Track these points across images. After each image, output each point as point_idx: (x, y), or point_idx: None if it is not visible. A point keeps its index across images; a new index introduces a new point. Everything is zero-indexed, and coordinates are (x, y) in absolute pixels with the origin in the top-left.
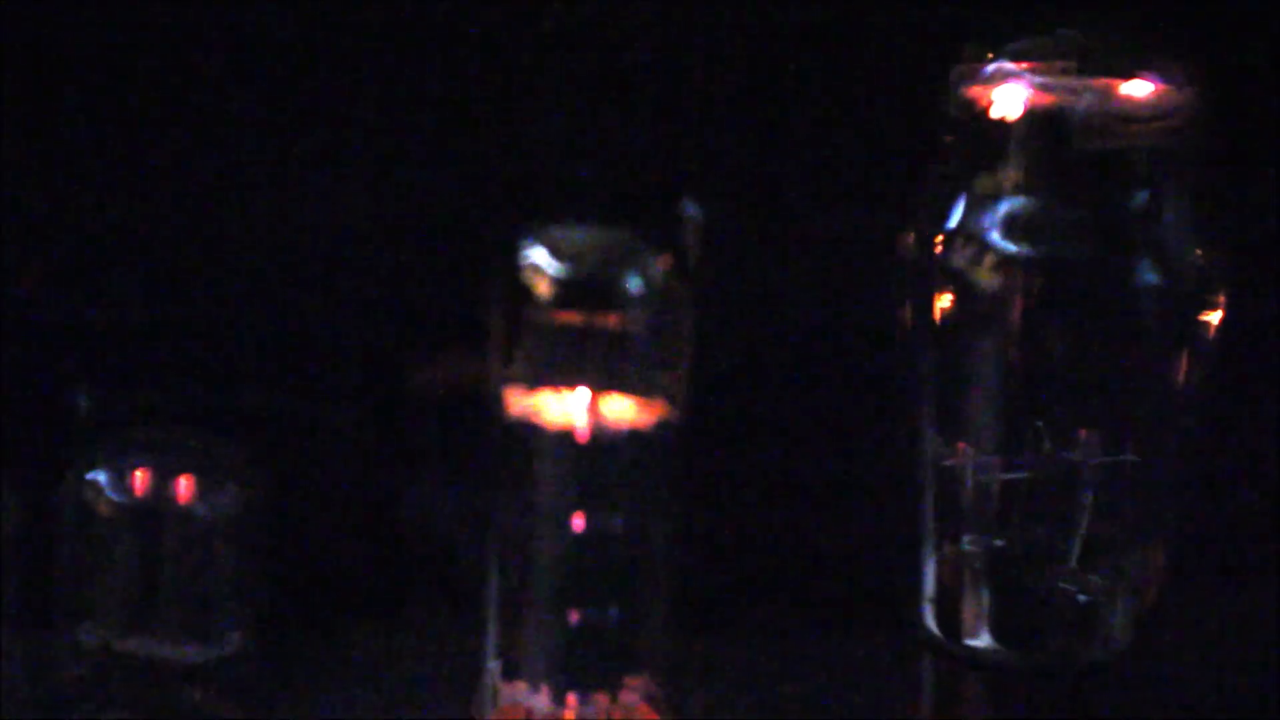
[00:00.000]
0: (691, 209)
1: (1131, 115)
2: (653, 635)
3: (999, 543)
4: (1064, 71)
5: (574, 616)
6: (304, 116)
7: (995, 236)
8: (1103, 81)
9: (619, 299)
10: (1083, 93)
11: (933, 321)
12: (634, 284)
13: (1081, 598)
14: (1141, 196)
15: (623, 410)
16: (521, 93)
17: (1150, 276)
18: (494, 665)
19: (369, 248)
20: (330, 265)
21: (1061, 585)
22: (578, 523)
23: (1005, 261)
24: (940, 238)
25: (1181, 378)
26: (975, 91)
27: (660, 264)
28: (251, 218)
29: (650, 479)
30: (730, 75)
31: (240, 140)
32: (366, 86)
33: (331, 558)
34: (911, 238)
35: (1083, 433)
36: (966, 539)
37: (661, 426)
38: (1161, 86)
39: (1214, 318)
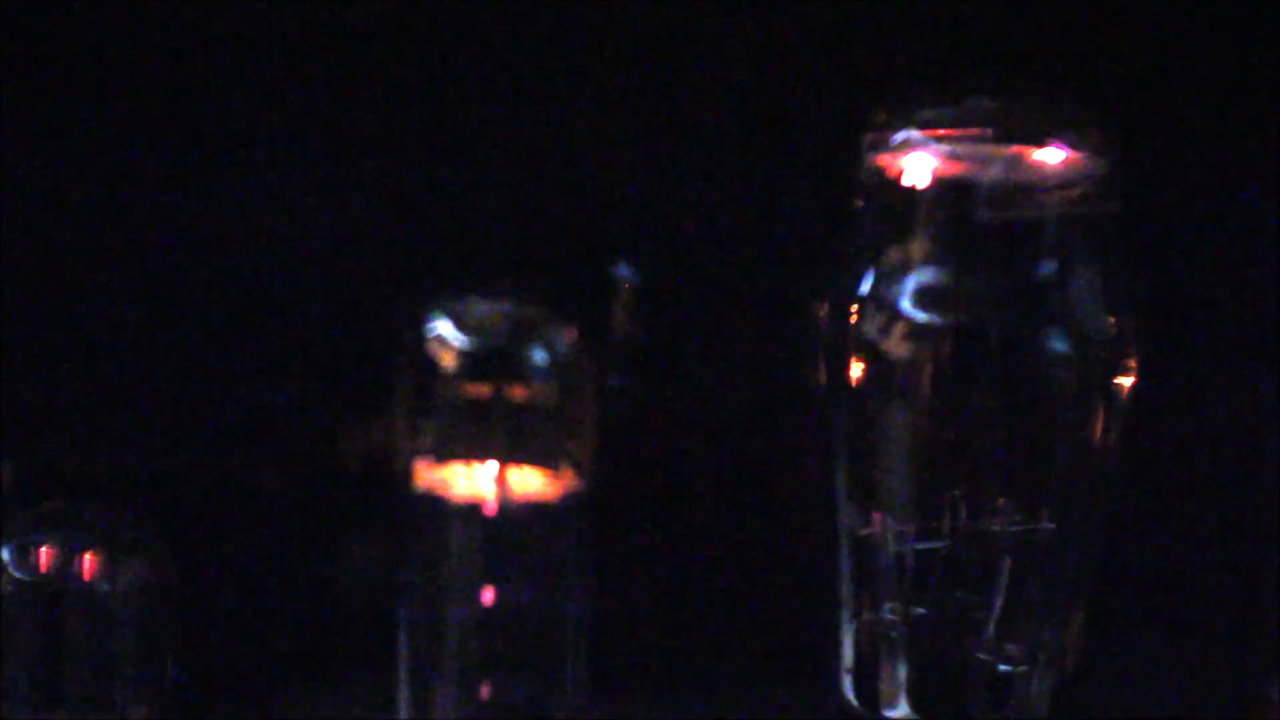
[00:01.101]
0: (624, 272)
1: (1042, 183)
2: (566, 705)
3: (919, 611)
4: (974, 139)
5: (484, 690)
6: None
7: (906, 305)
8: (1014, 149)
9: (525, 371)
10: (993, 161)
11: (847, 390)
12: (540, 356)
13: (1001, 667)
14: (1053, 264)
15: (530, 482)
16: (432, 163)
17: (1062, 344)
18: None
19: (283, 317)
20: (244, 335)
21: (979, 655)
22: (486, 595)
23: (916, 330)
24: (853, 306)
25: (1097, 444)
26: (885, 159)
27: (566, 335)
28: (161, 285)
29: (559, 550)
30: (645, 141)
31: (145, 213)
32: (272, 160)
33: (257, 626)
34: (825, 306)
35: (1000, 501)
36: (886, 608)
37: (570, 497)
38: (1072, 154)
39: (1127, 382)
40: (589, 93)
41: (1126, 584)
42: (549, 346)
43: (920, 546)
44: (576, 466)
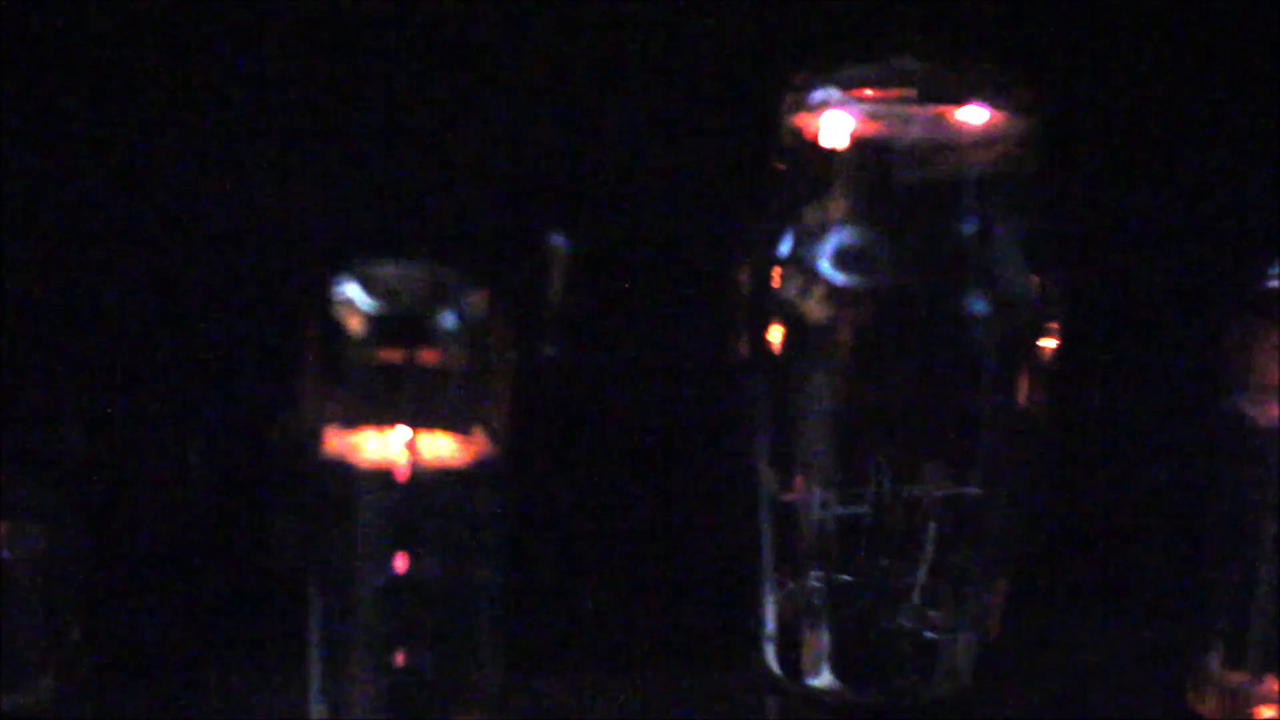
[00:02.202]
0: (557, 239)
1: (963, 143)
2: (481, 675)
3: (843, 579)
4: (894, 99)
5: (399, 658)
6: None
7: (826, 268)
8: (934, 109)
9: (435, 335)
10: (913, 121)
11: (768, 354)
12: (451, 319)
13: (927, 634)
14: (975, 225)
15: (443, 448)
16: (349, 127)
17: (984, 305)
18: (320, 709)
19: (190, 282)
20: (150, 300)
21: (904, 622)
22: (399, 563)
23: (836, 293)
24: (774, 269)
25: (1021, 406)
26: (804, 119)
27: (479, 299)
28: (64, 254)
29: (473, 517)
30: (563, 102)
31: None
32: (182, 129)
33: (171, 598)
34: (745, 269)
35: (924, 466)
36: (812, 575)
37: (484, 463)
38: (994, 114)
39: (1051, 344)
40: (505, 57)
41: (1067, 558)
42: (460, 310)
43: (843, 513)
44: (491, 432)
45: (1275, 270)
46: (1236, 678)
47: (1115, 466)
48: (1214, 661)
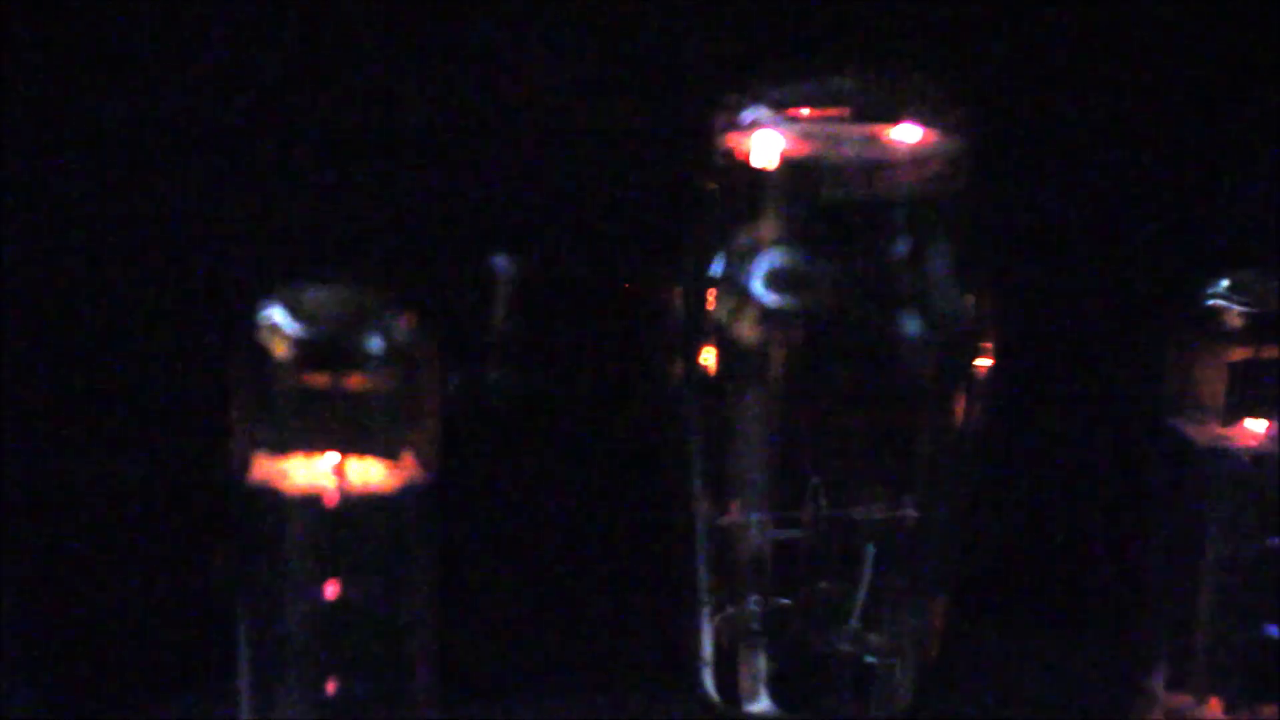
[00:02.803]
0: (501, 264)
1: (896, 163)
2: (414, 702)
3: (783, 602)
4: (827, 118)
5: (330, 686)
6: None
7: (758, 289)
8: (867, 127)
9: (361, 359)
10: (846, 139)
11: (702, 376)
12: (377, 344)
13: (866, 657)
14: (908, 245)
15: (371, 473)
16: (276, 150)
17: (918, 325)
18: None
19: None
20: (80, 325)
21: (842, 645)
22: (327, 590)
23: (770, 313)
24: (706, 291)
25: (956, 426)
26: (736, 139)
27: (405, 323)
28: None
29: (403, 542)
30: (498, 125)
31: None
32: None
33: (95, 625)
34: (679, 291)
35: (860, 488)
36: (749, 599)
37: (412, 488)
38: (927, 133)
39: (986, 363)
40: (436, 77)
41: (1010, 579)
42: (387, 334)
43: (779, 535)
44: (419, 457)
45: (1214, 289)
46: (1180, 699)
47: (1057, 487)
48: (1157, 683)
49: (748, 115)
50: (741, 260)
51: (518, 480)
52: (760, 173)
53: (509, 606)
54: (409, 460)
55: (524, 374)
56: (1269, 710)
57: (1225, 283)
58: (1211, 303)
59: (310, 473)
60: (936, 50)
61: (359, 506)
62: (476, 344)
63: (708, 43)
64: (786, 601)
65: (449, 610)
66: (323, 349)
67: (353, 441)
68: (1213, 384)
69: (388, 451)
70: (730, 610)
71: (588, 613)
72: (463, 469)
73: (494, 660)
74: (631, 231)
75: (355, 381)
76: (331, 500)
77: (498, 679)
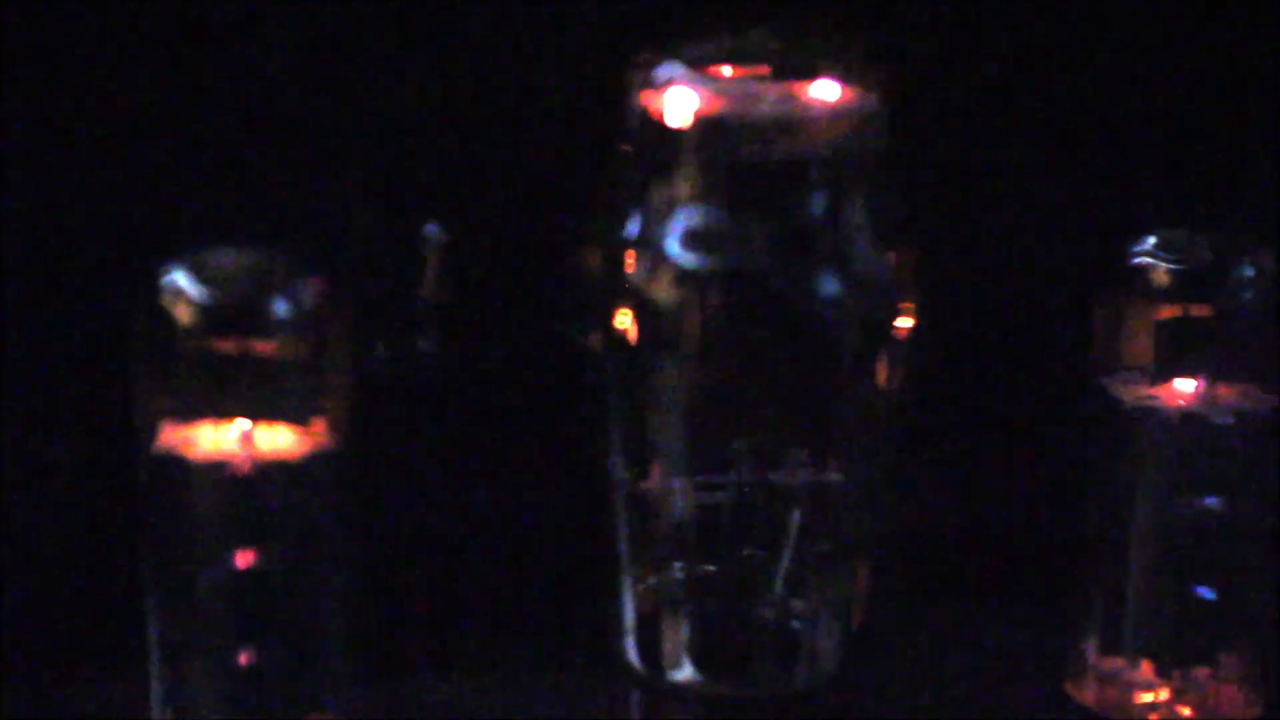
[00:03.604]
0: (433, 230)
1: (815, 119)
2: (327, 673)
3: (709, 569)
4: (743, 75)
5: (240, 657)
6: None
7: (673, 249)
8: (784, 86)
9: (268, 324)
10: (763, 97)
11: (620, 339)
12: (282, 308)
13: (791, 623)
14: (826, 204)
15: (279, 440)
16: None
17: (836, 286)
18: (162, 709)
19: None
20: None
21: (766, 611)
22: (238, 559)
23: (687, 275)
24: (623, 253)
25: (878, 389)
26: (650, 97)
27: (312, 287)
28: None
29: (313, 511)
30: (415, 88)
31: None
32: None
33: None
34: (595, 253)
35: (785, 451)
36: (672, 566)
37: (322, 456)
38: (847, 89)
39: (907, 324)
40: (350, 42)
41: (941, 546)
42: (292, 299)
43: (701, 501)
44: (330, 423)
45: (1141, 247)
46: (1112, 663)
47: (986, 450)
48: (1091, 647)
49: (661, 73)
50: (657, 221)
51: (440, 449)
52: (675, 132)
53: (427, 579)
54: (319, 427)
55: (448, 342)
56: (1201, 672)
57: (1152, 240)
58: (1139, 261)
59: (217, 440)
60: (854, 4)
61: (267, 474)
62: (401, 312)
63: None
64: (711, 569)
65: (370, 583)
66: (225, 313)
67: (260, 408)
68: (1141, 343)
69: (296, 418)
70: (653, 579)
71: (509, 583)
72: (387, 438)
73: (414, 633)
74: (548, 194)
75: (260, 346)
76: (239, 467)
77: (418, 652)
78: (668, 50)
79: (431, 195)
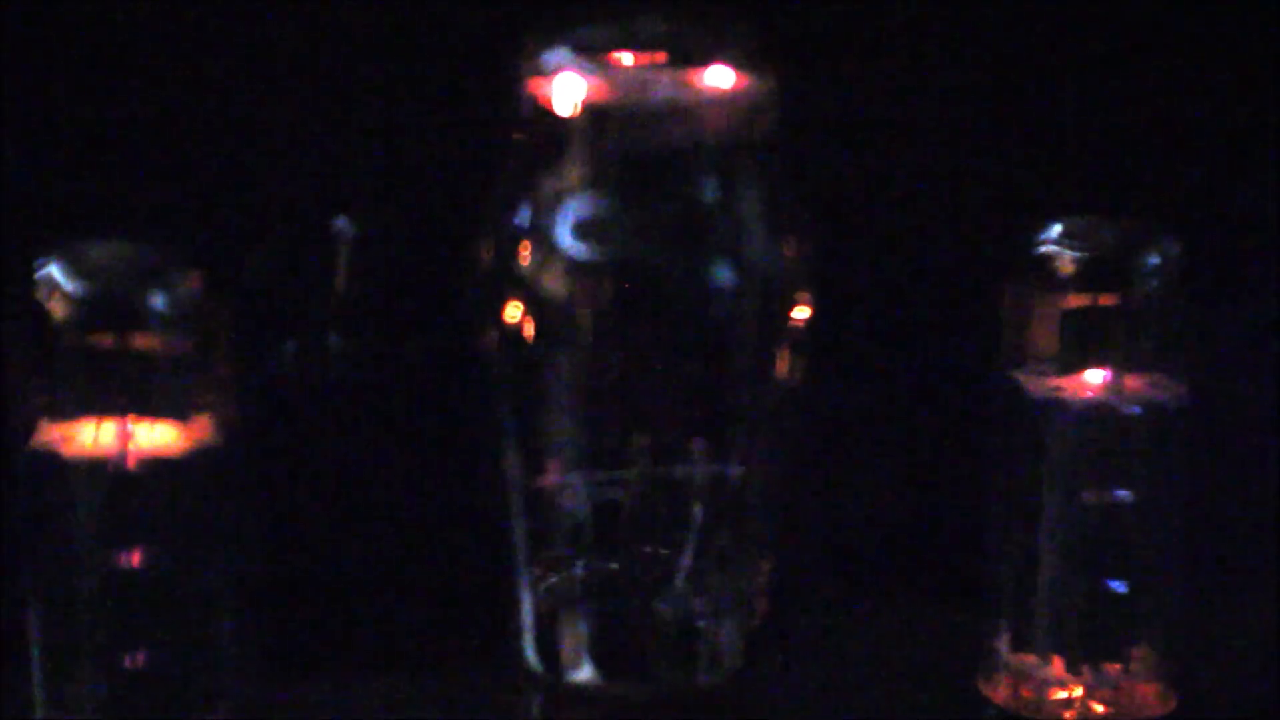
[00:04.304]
0: (343, 224)
1: (707, 105)
2: (217, 674)
3: (609, 566)
4: (634, 62)
5: (124, 659)
6: None
7: (564, 239)
8: (675, 73)
9: (146, 318)
10: (654, 83)
11: (510, 333)
12: (161, 301)
13: (691, 620)
14: (719, 193)
15: (159, 437)
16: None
17: (730, 275)
18: (46, 711)
19: None
20: None
21: (666, 608)
22: (120, 558)
23: (579, 266)
24: (513, 244)
25: (775, 380)
26: (539, 84)
27: (194, 280)
28: None
29: (196, 508)
30: (306, 83)
31: None
32: None
33: None
34: (486, 244)
35: (683, 445)
36: (570, 564)
37: (205, 452)
38: (739, 76)
39: (804, 314)
40: (240, 32)
41: (853, 543)
42: (171, 293)
43: (598, 498)
44: (213, 419)
45: (1046, 235)
46: (1024, 659)
47: (893, 444)
48: (1002, 644)
49: (550, 60)
50: (547, 211)
51: (343, 449)
52: (564, 119)
53: (326, 578)
54: (201, 423)
55: (350, 340)
56: (1112, 667)
57: (1058, 229)
58: (1044, 250)
59: (96, 437)
60: None
61: (147, 471)
62: (304, 310)
63: None
64: (611, 566)
65: (271, 582)
66: (102, 307)
67: (139, 404)
68: (1048, 334)
69: (178, 414)
70: (552, 576)
71: (406, 584)
72: (291, 436)
73: (309, 635)
74: (437, 185)
75: (139, 341)
76: (118, 465)
77: (312, 654)
78: (557, 36)
79: (329, 187)
